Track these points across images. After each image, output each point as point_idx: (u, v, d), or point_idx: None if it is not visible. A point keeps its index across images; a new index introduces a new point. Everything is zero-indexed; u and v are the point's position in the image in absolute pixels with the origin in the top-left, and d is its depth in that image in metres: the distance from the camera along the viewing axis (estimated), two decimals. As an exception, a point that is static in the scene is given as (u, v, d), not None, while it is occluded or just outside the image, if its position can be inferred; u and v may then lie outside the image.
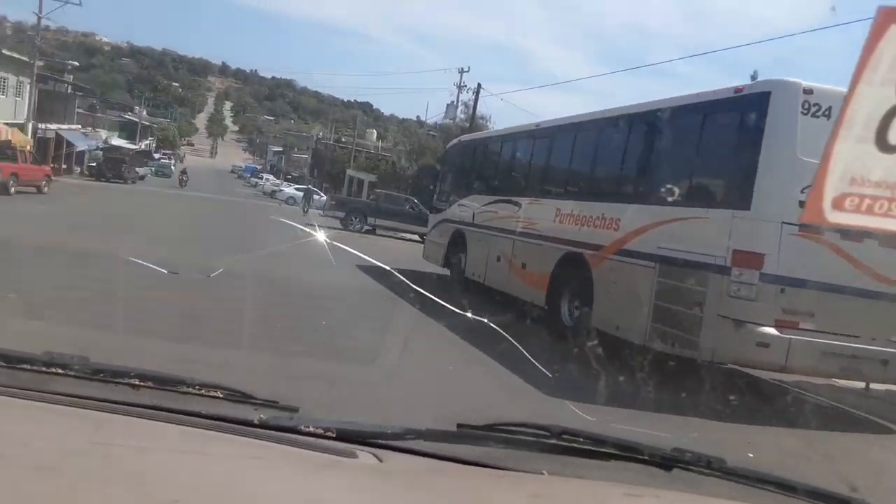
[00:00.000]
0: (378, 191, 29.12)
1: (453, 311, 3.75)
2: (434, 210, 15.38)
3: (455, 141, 14.74)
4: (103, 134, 56.96)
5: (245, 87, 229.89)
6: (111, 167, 41.57)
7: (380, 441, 1.35)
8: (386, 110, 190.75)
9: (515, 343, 3.11)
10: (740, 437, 5.42)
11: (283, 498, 1.05)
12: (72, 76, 51.75)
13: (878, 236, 5.61)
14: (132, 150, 67.12)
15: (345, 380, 5.39)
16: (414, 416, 3.39)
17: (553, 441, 1.41)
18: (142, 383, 1.42)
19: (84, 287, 7.50)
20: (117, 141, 62.69)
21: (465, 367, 6.94)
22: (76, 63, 45.93)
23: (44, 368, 1.42)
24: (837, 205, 1.12)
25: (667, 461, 1.39)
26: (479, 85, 25.36)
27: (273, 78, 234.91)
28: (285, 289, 9.55)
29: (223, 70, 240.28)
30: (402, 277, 5.48)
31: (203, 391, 1.45)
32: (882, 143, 1.09)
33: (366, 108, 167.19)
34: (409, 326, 7.47)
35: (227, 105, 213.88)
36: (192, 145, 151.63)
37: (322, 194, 39.18)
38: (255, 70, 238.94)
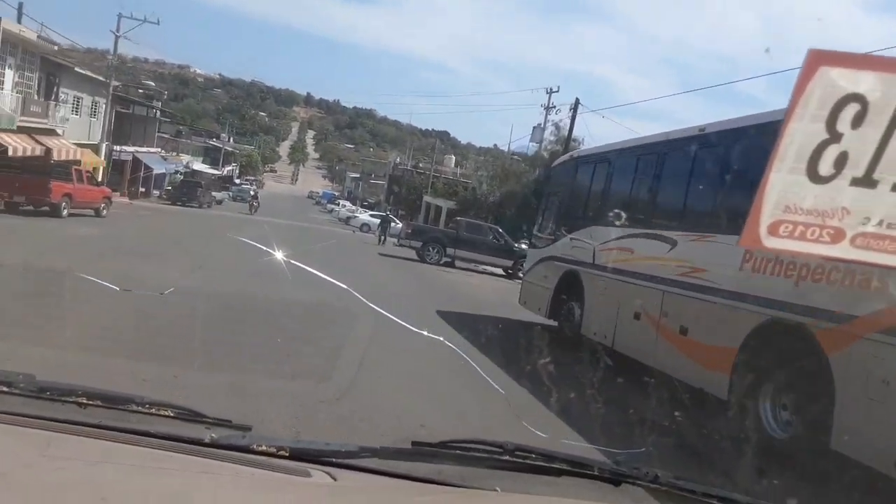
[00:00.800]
0: (459, 219, 26.02)
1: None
2: (535, 244, 12.08)
3: (566, 157, 11.40)
4: (185, 158, 56.62)
5: (328, 117, 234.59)
6: (186, 191, 40.44)
7: (333, 459, 1.32)
8: (463, 139, 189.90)
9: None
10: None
11: None
12: (160, 102, 51.89)
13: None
14: (214, 175, 67.22)
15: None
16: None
17: (506, 458, 1.40)
18: (89, 402, 1.39)
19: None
20: (199, 166, 62.57)
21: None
22: (152, 84, 45.28)
23: None
24: (773, 231, 1.20)
25: (616, 476, 1.39)
26: (576, 100, 22.04)
27: (354, 108, 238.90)
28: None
29: (308, 100, 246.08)
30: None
31: (153, 410, 1.41)
32: (813, 174, 1.17)
33: (443, 136, 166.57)
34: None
35: (310, 133, 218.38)
36: (275, 172, 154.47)
37: (398, 222, 36.57)
38: (338, 100, 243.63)
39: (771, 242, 1.20)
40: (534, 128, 35.38)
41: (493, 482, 1.35)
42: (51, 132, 26.42)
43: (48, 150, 24.30)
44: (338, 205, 68.24)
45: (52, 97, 27.15)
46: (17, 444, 1.20)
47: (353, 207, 59.58)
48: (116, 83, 33.35)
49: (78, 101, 30.71)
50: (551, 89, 33.63)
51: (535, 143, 34.38)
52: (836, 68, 1.15)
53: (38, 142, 24.26)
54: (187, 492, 1.11)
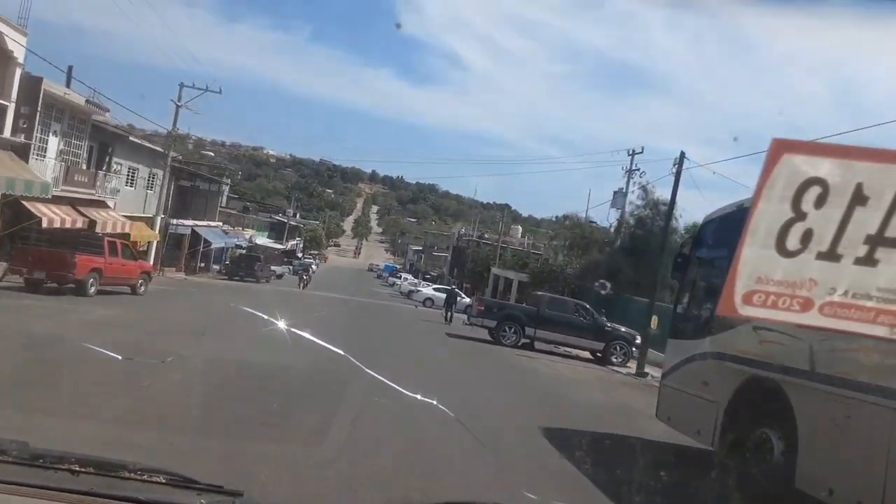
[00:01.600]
0: (540, 293, 22.32)
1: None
2: (681, 332, 8.38)
3: (730, 208, 7.80)
4: (248, 233, 55.32)
5: (391, 192, 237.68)
6: (244, 266, 38.40)
7: None
8: (524, 211, 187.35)
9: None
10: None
11: None
12: (227, 178, 51.34)
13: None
14: (277, 249, 65.99)
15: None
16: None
17: None
18: (82, 469, 1.37)
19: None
20: (262, 240, 61.36)
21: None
22: (212, 154, 44.19)
23: None
24: (747, 300, 1.27)
25: None
26: (682, 154, 18.33)
27: (417, 183, 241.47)
28: None
29: (373, 177, 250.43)
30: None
31: (145, 476, 1.39)
32: (781, 249, 1.26)
33: (504, 209, 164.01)
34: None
35: (374, 209, 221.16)
36: (339, 246, 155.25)
37: (464, 296, 33.14)
38: (401, 176, 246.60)
39: (746, 311, 1.28)
40: (615, 192, 31.87)
41: None
42: (100, 204, 24.61)
43: (91, 223, 22.26)
44: (399, 278, 65.64)
45: (104, 167, 25.47)
46: None
47: (415, 281, 56.68)
48: (175, 154, 31.81)
49: (133, 173, 29.12)
50: (633, 151, 30.29)
51: (616, 209, 30.80)
52: (797, 155, 1.26)
53: (80, 213, 22.28)
54: None
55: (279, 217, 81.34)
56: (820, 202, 1.23)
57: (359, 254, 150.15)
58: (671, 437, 7.72)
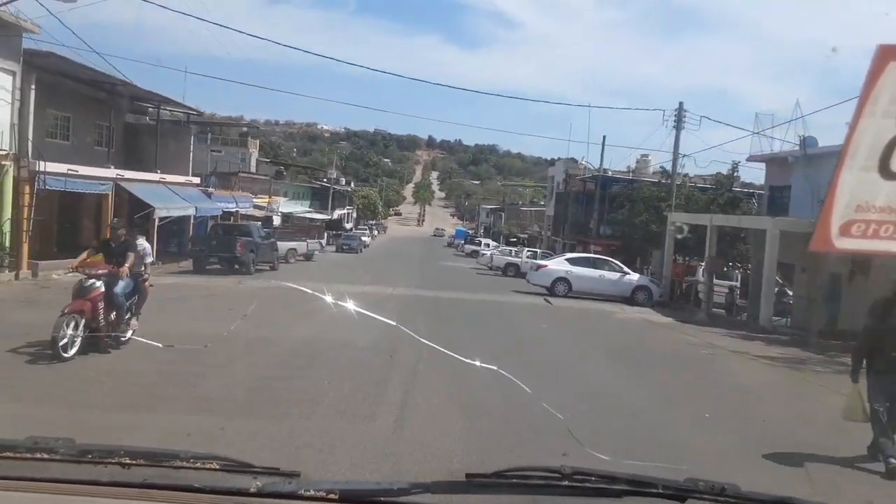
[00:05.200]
0: None
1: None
2: None
3: None
4: (272, 199, 37.68)
5: (450, 156, 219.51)
6: (216, 246, 20.44)
7: (383, 499, 1.22)
8: (593, 164, 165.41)
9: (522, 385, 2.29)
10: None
11: None
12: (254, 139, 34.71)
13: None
14: (316, 219, 48.80)
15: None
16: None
17: (565, 483, 1.26)
18: (132, 461, 1.26)
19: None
20: (291, 207, 43.79)
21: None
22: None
23: (28, 455, 1.26)
24: (844, 231, 1.11)
25: (680, 492, 1.24)
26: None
27: (476, 145, 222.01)
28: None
29: (430, 143, 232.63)
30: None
31: (198, 464, 1.27)
32: (885, 171, 1.08)
33: (570, 165, 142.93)
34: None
35: (434, 174, 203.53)
36: (400, 214, 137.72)
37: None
38: (459, 140, 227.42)
39: (843, 243, 1.11)
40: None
41: None
42: None
43: None
44: (478, 245, 47.26)
45: None
46: None
47: (506, 248, 38.10)
48: (34, 30, 14.01)
49: None
50: None
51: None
52: None
53: None
54: None
55: (323, 182, 63.84)
56: None
57: (423, 221, 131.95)
58: None
